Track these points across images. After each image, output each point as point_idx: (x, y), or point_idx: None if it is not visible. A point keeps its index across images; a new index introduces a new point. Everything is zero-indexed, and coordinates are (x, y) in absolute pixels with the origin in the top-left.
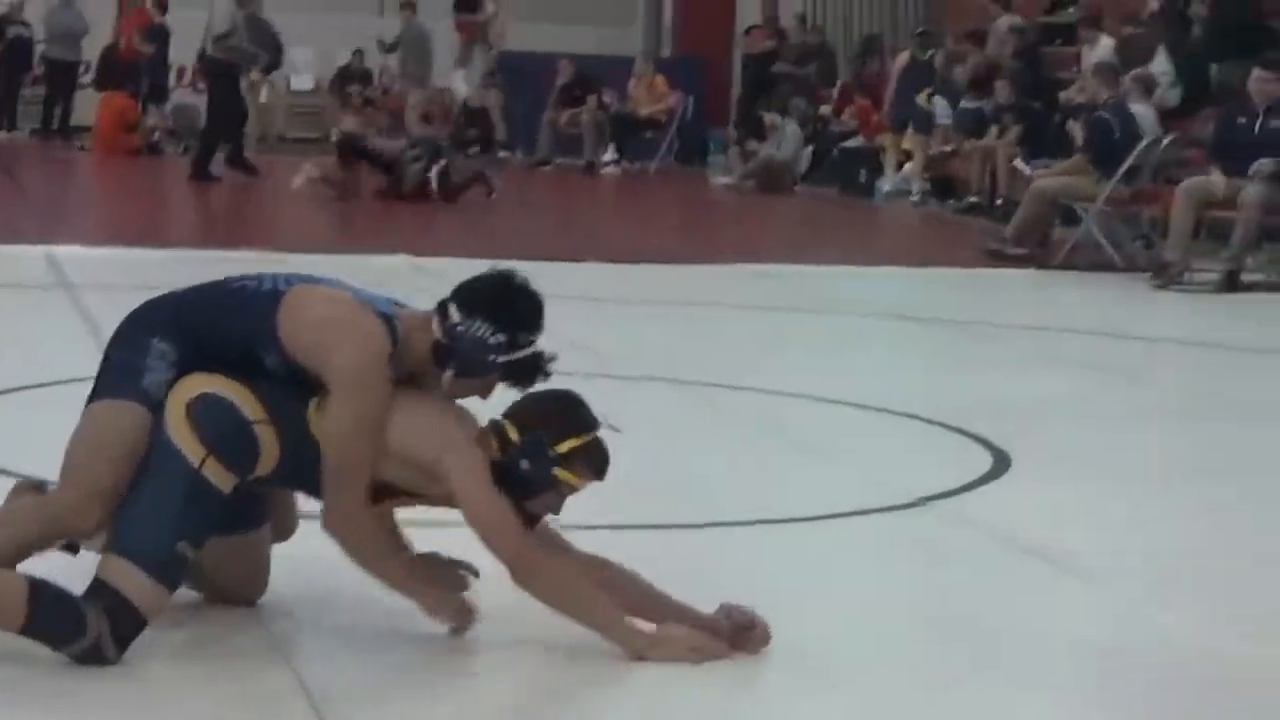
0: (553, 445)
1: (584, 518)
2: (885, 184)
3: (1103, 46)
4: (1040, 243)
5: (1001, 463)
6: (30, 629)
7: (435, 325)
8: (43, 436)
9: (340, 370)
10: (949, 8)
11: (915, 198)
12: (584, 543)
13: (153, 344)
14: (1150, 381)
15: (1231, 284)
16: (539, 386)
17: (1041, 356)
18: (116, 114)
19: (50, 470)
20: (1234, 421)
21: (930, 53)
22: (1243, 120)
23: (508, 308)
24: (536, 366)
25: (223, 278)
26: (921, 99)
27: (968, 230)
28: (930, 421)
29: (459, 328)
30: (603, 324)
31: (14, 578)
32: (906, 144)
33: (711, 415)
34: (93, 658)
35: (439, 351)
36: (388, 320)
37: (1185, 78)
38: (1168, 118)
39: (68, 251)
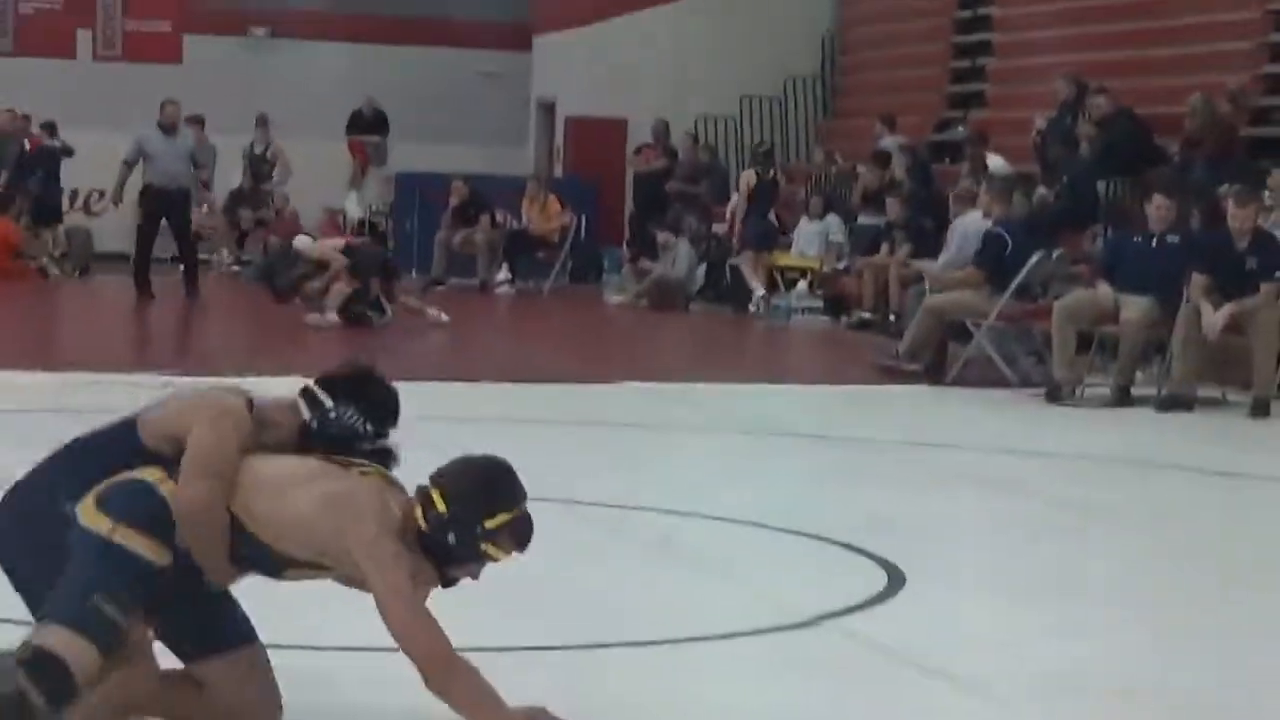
0: (483, 520)
1: (470, 639)
2: (752, 304)
3: (993, 163)
4: (934, 359)
5: (896, 580)
6: None
7: (303, 408)
8: None
9: (193, 443)
10: (836, 128)
11: (756, 308)
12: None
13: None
14: (1041, 496)
15: (1122, 399)
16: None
17: (935, 473)
18: (1, 239)
19: None
20: (1125, 535)
21: (771, 172)
22: (1138, 240)
23: (379, 400)
24: (390, 459)
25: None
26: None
27: (861, 347)
28: (824, 539)
29: (331, 414)
30: (496, 443)
31: None
32: (792, 261)
33: (605, 535)
34: (18, 708)
35: (306, 433)
36: (245, 397)
37: (1072, 195)
38: (1056, 234)
39: None
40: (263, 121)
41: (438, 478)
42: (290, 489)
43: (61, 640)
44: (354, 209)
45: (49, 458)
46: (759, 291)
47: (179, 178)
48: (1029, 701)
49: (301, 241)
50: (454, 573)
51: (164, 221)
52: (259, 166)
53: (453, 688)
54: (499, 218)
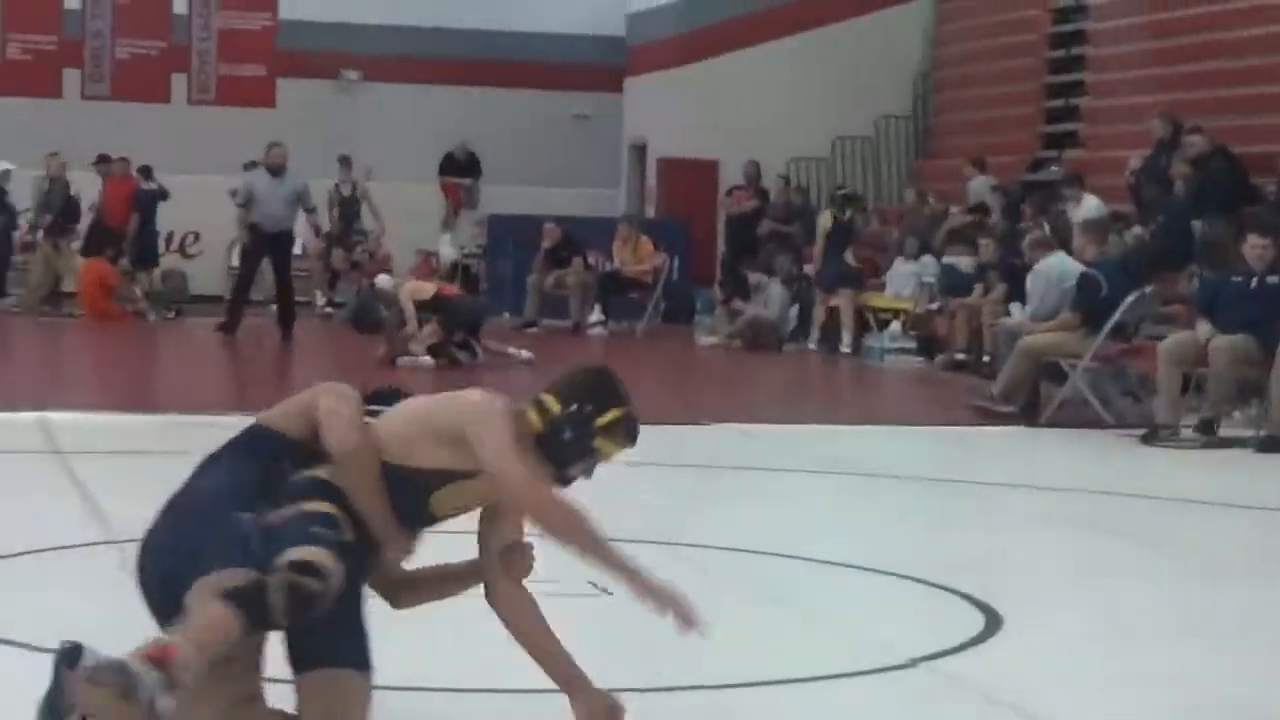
0: (595, 416)
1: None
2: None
3: (1088, 204)
4: (1029, 400)
5: (993, 621)
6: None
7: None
8: (31, 603)
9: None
10: (929, 168)
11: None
12: None
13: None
14: (1139, 538)
15: (1207, 432)
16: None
17: (1031, 514)
18: (96, 280)
19: (37, 637)
20: (1225, 578)
21: (849, 213)
22: (1236, 280)
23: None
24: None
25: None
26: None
27: (954, 387)
28: (921, 581)
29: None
30: (592, 485)
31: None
32: (885, 302)
33: (701, 577)
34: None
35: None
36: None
37: (1168, 234)
38: (1150, 274)
39: (59, 418)
40: (346, 162)
41: (549, 387)
42: (411, 406)
43: (307, 552)
44: (447, 251)
45: (196, 474)
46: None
47: (283, 220)
48: None
49: (382, 280)
50: (570, 472)
51: (264, 262)
52: (348, 208)
53: (582, 539)
54: (591, 259)
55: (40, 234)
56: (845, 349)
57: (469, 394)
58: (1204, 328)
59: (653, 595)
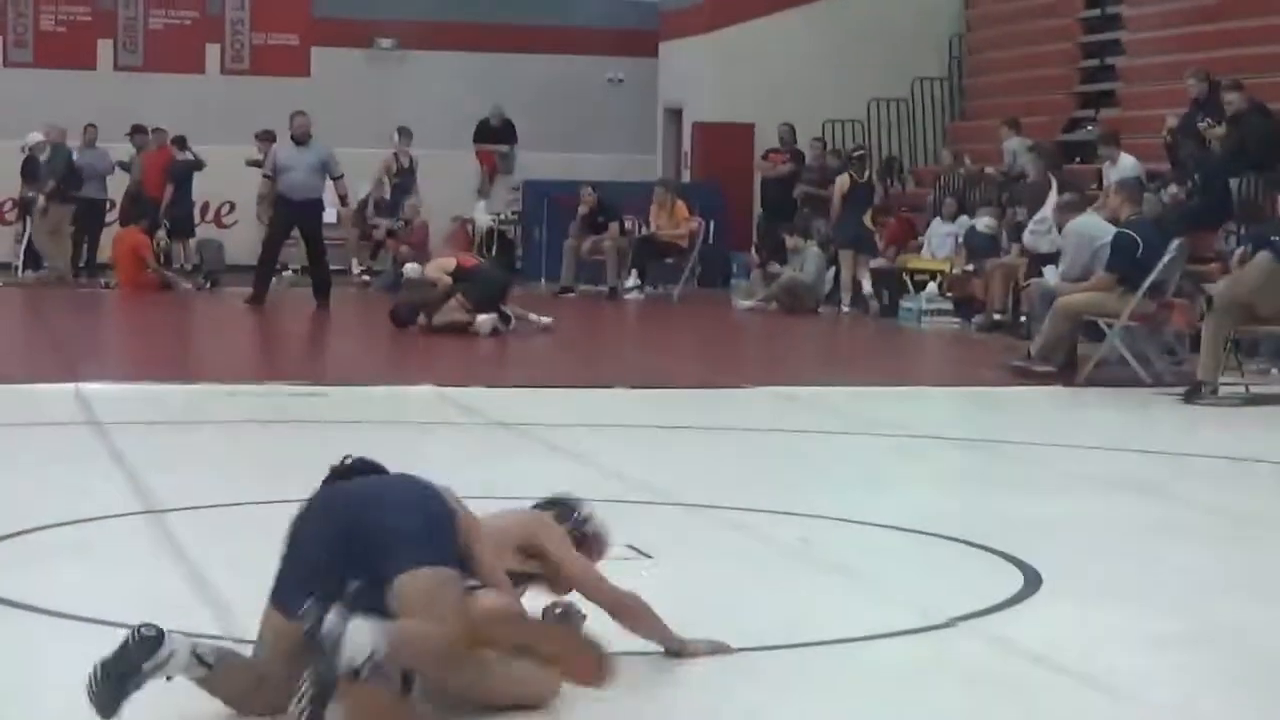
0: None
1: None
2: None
3: (1124, 163)
4: (1066, 360)
5: (1033, 582)
6: None
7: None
8: (73, 575)
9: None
10: (964, 130)
11: (847, 309)
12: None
13: None
14: (1181, 498)
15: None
16: None
17: (1071, 474)
18: (130, 250)
19: (78, 607)
20: (1269, 537)
21: (867, 174)
22: (1276, 237)
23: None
24: None
25: None
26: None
27: (991, 348)
28: (961, 541)
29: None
30: (633, 450)
31: None
32: (922, 264)
33: (743, 539)
34: None
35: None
36: None
37: (1205, 192)
38: (1187, 232)
39: (95, 389)
40: (405, 133)
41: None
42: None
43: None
44: (483, 218)
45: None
46: (846, 295)
47: (310, 189)
48: (1170, 704)
49: (410, 269)
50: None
51: (294, 232)
52: (406, 178)
53: (626, 614)
54: (627, 224)
55: (41, 200)
56: (851, 308)
57: (529, 513)
58: (1260, 260)
59: (697, 652)
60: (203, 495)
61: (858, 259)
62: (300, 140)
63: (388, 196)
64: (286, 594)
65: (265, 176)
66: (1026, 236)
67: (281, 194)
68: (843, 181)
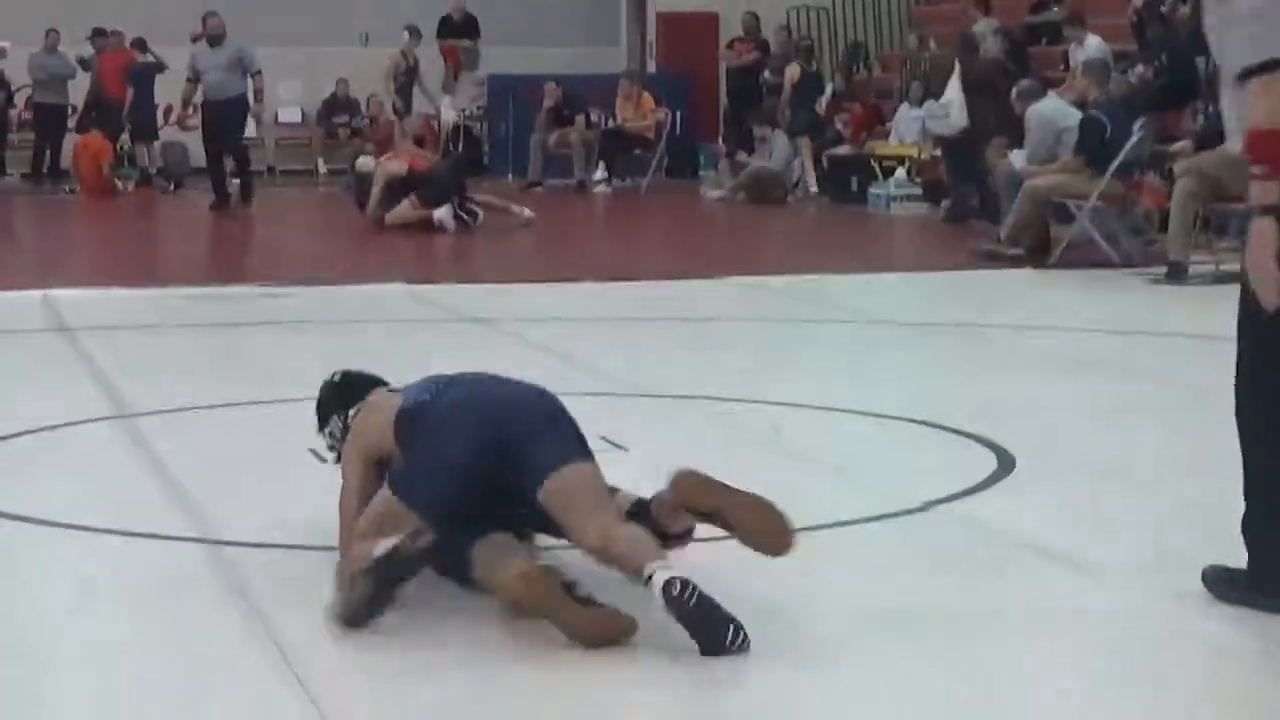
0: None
1: None
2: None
3: (1090, 44)
4: (1036, 242)
5: (1006, 464)
6: None
7: None
8: (46, 479)
9: None
10: (930, 14)
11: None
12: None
13: None
14: (1152, 377)
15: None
16: None
17: (1042, 356)
18: (93, 157)
19: (51, 513)
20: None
21: (814, 65)
22: None
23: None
24: None
25: None
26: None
27: (961, 233)
28: (934, 426)
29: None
30: (603, 342)
31: None
32: (890, 150)
33: (714, 428)
34: None
35: None
36: None
37: (1172, 72)
38: (1156, 112)
39: (63, 295)
40: (414, 32)
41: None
42: None
43: None
44: (448, 114)
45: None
46: (809, 182)
47: (227, 88)
48: (1144, 583)
49: (361, 163)
50: None
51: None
52: (409, 77)
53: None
54: (593, 117)
55: None
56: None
57: None
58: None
59: None
60: (173, 398)
61: (803, 144)
62: (215, 41)
63: (395, 96)
64: (417, 494)
65: (187, 81)
66: (928, 121)
67: (205, 98)
68: (793, 71)
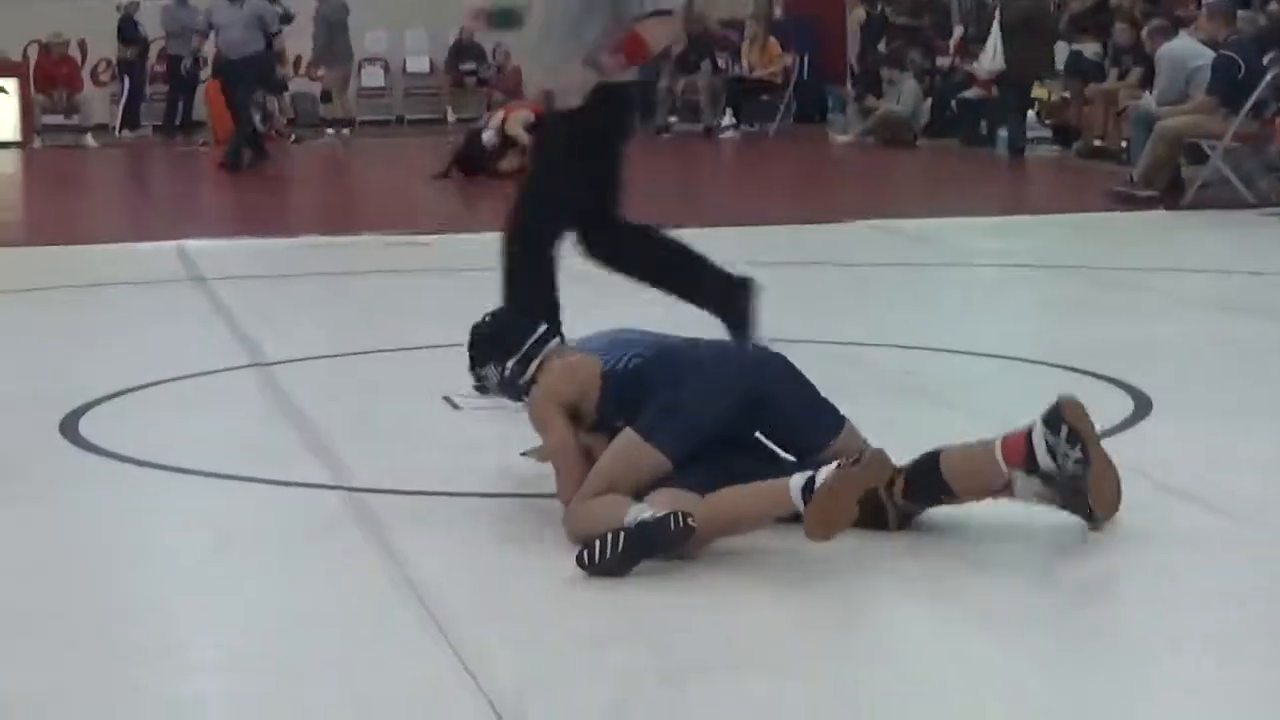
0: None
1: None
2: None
3: None
4: (1169, 183)
5: (1143, 406)
6: None
7: None
8: (182, 429)
9: None
10: None
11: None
12: None
13: None
14: None
15: None
16: None
17: (1179, 298)
18: (223, 106)
19: (189, 461)
20: None
21: (879, 6)
22: None
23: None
24: None
25: None
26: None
27: (1093, 175)
28: (1067, 368)
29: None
30: None
31: None
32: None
33: (848, 372)
34: None
35: None
36: None
37: None
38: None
39: (197, 245)
40: None
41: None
42: None
43: None
44: None
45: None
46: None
47: (243, 45)
48: None
49: (487, 137)
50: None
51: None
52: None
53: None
54: (721, 63)
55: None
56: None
57: None
58: None
59: None
60: (307, 346)
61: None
62: None
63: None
64: (670, 442)
65: (197, 33)
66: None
67: (220, 53)
68: (858, 15)
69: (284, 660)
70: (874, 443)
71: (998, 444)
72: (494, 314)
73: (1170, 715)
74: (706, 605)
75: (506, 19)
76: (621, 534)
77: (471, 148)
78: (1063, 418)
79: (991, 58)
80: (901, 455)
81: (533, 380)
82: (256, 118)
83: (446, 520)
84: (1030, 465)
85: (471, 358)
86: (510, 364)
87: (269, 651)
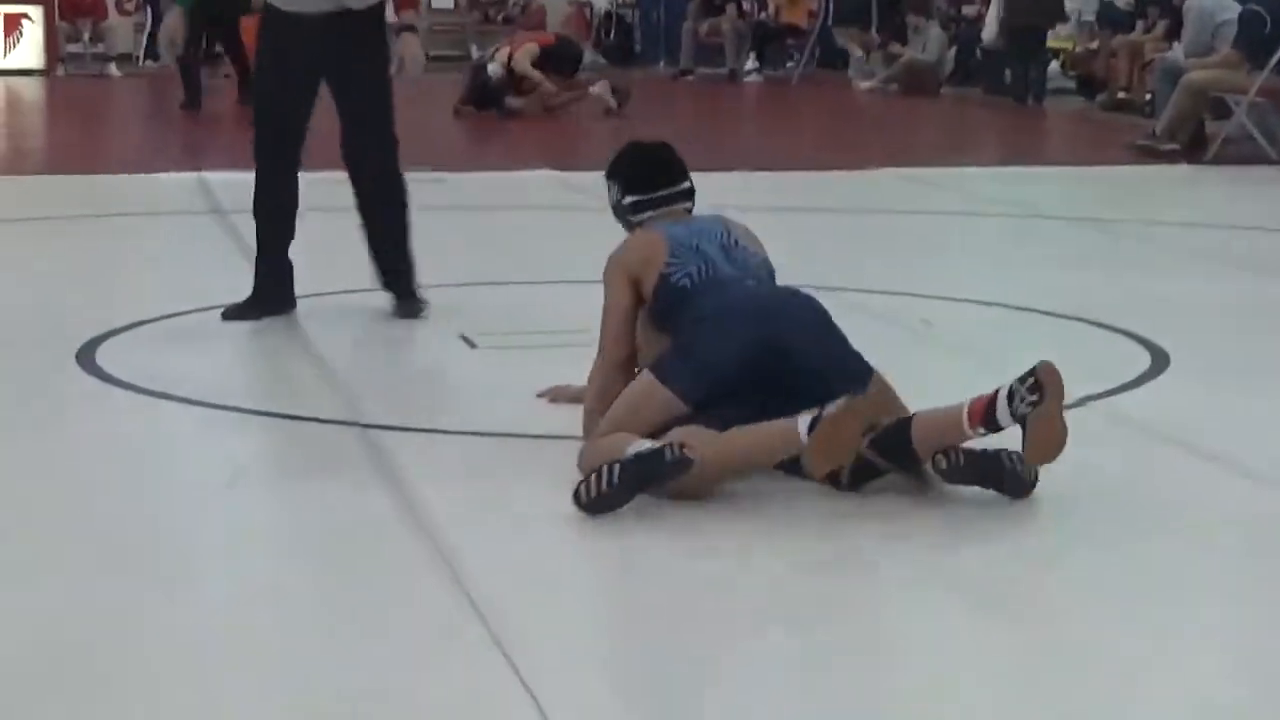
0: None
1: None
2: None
3: None
4: (1192, 138)
5: (1161, 361)
6: None
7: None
8: (199, 361)
9: None
10: None
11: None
12: None
13: None
14: None
15: None
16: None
17: (1198, 253)
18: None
19: (209, 394)
20: None
21: None
22: None
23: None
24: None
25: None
26: None
27: (1116, 127)
28: (1086, 321)
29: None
30: (759, 233)
31: None
32: (1052, 43)
33: (866, 321)
34: None
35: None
36: None
37: None
38: None
39: (217, 177)
40: None
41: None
42: None
43: None
44: (600, 1)
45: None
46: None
47: None
48: None
49: (492, 69)
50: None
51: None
52: None
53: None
54: (746, 6)
55: None
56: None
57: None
58: None
59: None
60: (324, 283)
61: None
62: None
63: None
64: (688, 386)
65: None
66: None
67: None
68: None
69: (292, 593)
70: (896, 390)
71: (966, 406)
72: (644, 148)
73: (1186, 668)
74: (703, 550)
75: None
76: (617, 466)
77: (476, 81)
78: (1034, 374)
79: (993, 32)
80: (912, 404)
81: (629, 227)
82: None
83: (460, 459)
84: (990, 423)
85: (607, 174)
86: (623, 198)
87: (270, 586)
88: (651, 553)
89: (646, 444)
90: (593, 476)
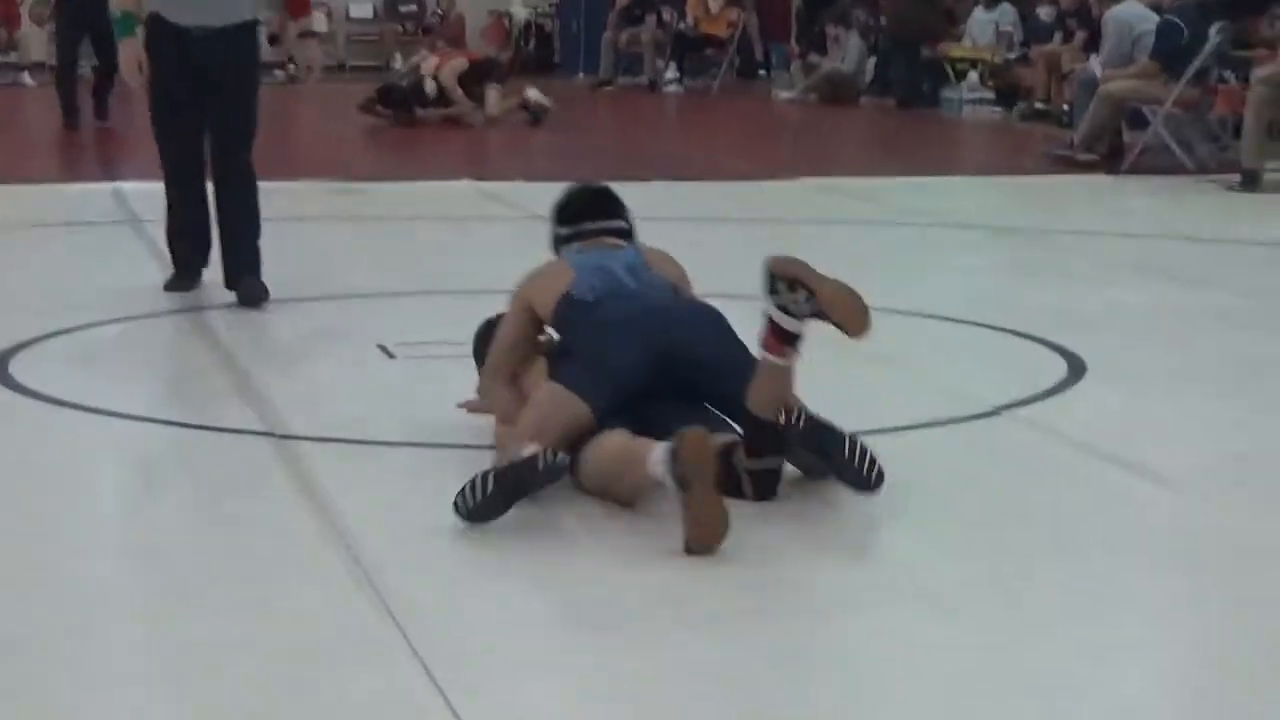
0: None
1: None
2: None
3: None
4: (1109, 148)
5: (1076, 370)
6: None
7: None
8: (114, 372)
9: None
10: None
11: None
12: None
13: None
14: (1225, 285)
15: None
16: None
17: (1116, 262)
18: None
19: (122, 404)
20: None
21: None
22: None
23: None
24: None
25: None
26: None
27: (1033, 137)
28: (1003, 330)
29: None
30: (672, 242)
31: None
32: (963, 52)
33: None
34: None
35: None
36: None
37: None
38: (1233, 17)
39: (133, 187)
40: None
41: None
42: None
43: None
44: (519, 11)
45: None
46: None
47: None
48: (1215, 490)
49: (428, 86)
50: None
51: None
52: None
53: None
54: (666, 16)
55: None
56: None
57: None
58: None
59: None
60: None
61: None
62: None
63: None
64: (592, 391)
65: None
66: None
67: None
68: None
69: (207, 606)
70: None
71: (762, 353)
72: (582, 187)
73: (1109, 682)
74: (625, 562)
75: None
76: (491, 474)
77: (389, 84)
78: (772, 274)
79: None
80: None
81: (556, 252)
82: None
83: (376, 469)
84: (785, 338)
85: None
86: (556, 228)
87: (188, 598)
88: (579, 563)
89: (530, 449)
90: (468, 487)
